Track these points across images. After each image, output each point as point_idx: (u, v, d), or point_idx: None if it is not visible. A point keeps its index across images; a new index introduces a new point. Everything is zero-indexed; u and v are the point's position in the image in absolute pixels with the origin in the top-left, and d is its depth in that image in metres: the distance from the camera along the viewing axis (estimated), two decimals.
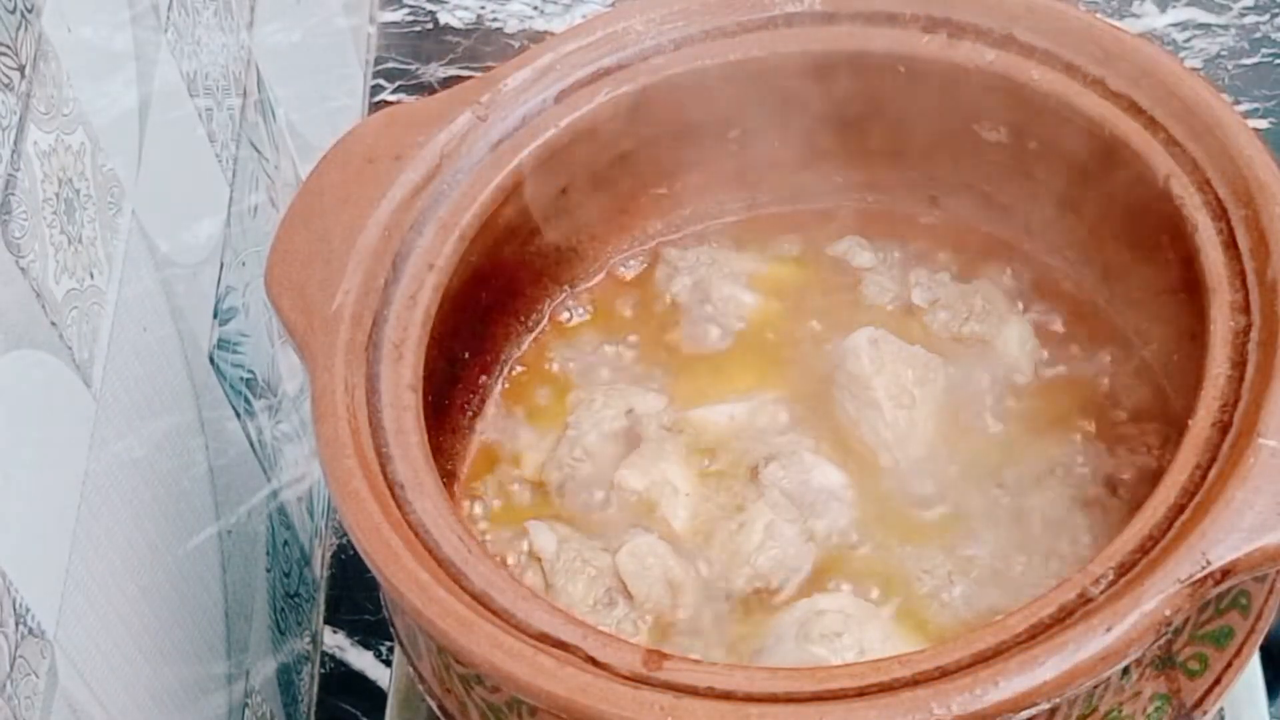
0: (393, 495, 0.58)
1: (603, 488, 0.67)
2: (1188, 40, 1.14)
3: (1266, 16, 1.14)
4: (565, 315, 0.74)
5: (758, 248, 0.75)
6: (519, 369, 0.72)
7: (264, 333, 0.92)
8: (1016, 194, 0.71)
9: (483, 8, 1.25)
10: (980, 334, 0.69)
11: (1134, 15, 1.16)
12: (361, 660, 0.99)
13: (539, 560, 0.64)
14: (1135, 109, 0.64)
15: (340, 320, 0.62)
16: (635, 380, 0.71)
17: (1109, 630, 0.50)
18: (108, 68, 0.72)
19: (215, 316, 0.84)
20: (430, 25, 1.25)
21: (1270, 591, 0.58)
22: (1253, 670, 0.68)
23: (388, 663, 0.97)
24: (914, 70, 0.68)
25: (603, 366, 0.72)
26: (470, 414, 0.71)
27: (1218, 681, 0.57)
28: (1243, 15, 1.15)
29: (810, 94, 0.70)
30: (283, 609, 0.92)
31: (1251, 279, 0.58)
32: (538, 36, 1.21)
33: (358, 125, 0.68)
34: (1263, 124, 1.07)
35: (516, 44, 1.23)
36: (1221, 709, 0.61)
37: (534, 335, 0.73)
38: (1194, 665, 0.56)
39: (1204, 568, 0.51)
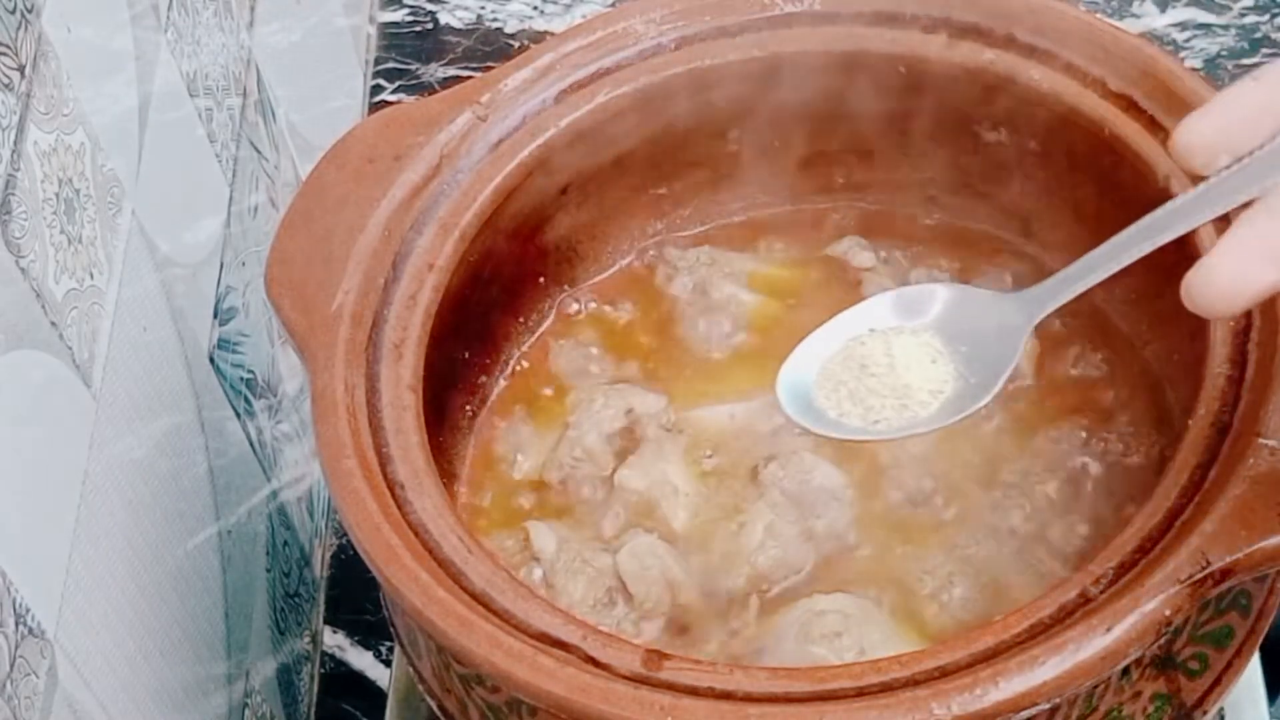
0: (393, 495, 0.58)
1: (603, 488, 0.67)
2: (1188, 40, 1.15)
3: (1266, 16, 1.14)
4: (565, 315, 0.74)
5: (758, 248, 0.75)
6: (519, 369, 0.72)
7: (264, 333, 0.92)
8: (1016, 194, 0.71)
9: (483, 8, 1.25)
10: None
11: (1134, 15, 1.16)
12: (361, 660, 0.99)
13: (539, 560, 0.64)
14: (1135, 109, 0.64)
15: (340, 320, 0.62)
16: (635, 380, 0.71)
17: (1109, 630, 0.50)
18: (108, 68, 0.72)
19: (215, 316, 0.84)
20: (430, 25, 1.25)
21: (1270, 591, 0.58)
22: (1253, 670, 0.68)
23: (388, 663, 0.98)
24: (914, 70, 0.68)
25: (603, 367, 0.72)
26: (470, 414, 0.71)
27: (1218, 681, 0.57)
28: (1243, 15, 1.15)
29: (810, 94, 0.70)
30: (283, 609, 0.93)
31: None
32: (538, 36, 1.21)
33: (358, 125, 0.68)
34: None
35: (516, 44, 1.23)
36: (1221, 709, 0.61)
37: (534, 335, 0.73)
38: (1194, 665, 0.56)
39: (1204, 568, 0.51)
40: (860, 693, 0.51)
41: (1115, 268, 0.53)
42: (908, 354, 0.58)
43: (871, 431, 0.57)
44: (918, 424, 0.57)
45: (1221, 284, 0.46)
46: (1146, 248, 0.52)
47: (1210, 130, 0.47)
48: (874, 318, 0.59)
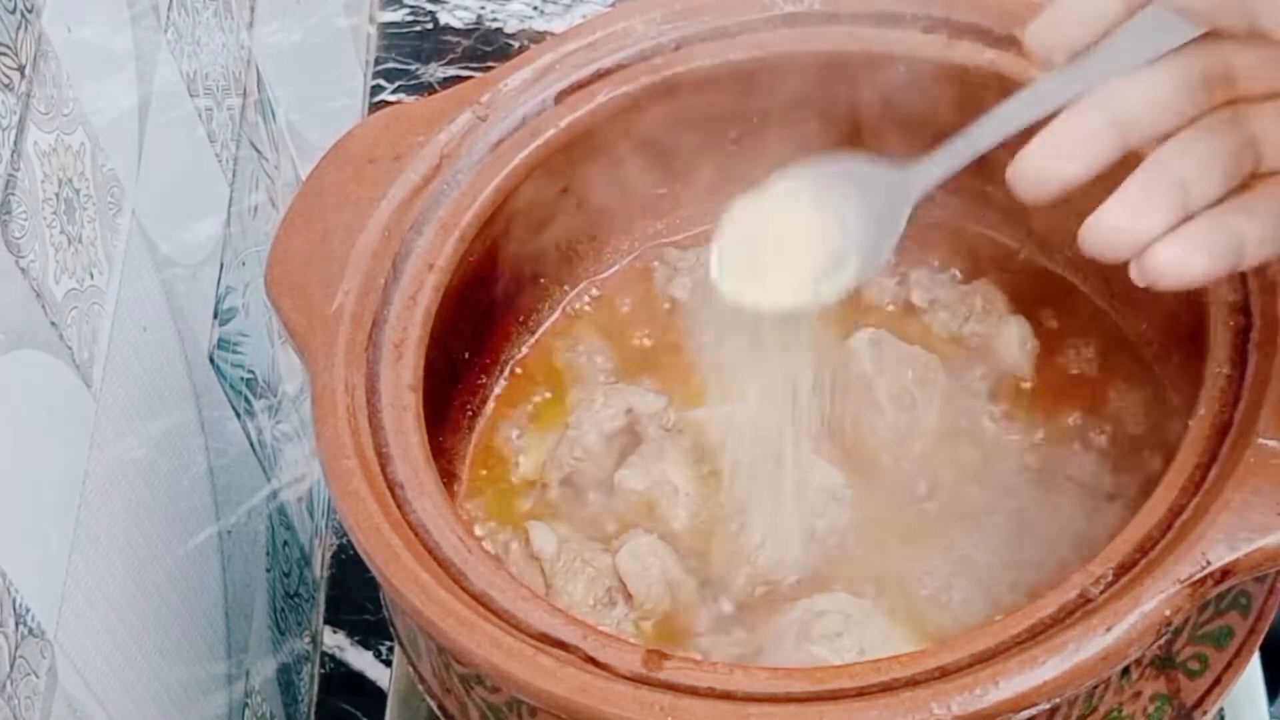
0: (393, 495, 0.58)
1: (603, 488, 0.67)
2: None
3: None
4: (565, 315, 0.74)
5: None
6: (519, 369, 0.72)
7: (264, 333, 0.92)
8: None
9: (483, 8, 1.25)
10: (980, 334, 0.69)
11: None
12: (361, 660, 0.99)
13: (539, 560, 0.64)
14: None
15: (340, 320, 0.62)
16: (635, 380, 0.71)
17: (1109, 630, 0.50)
18: (108, 68, 0.72)
19: (215, 316, 0.84)
20: (430, 25, 1.25)
21: (1270, 591, 0.58)
22: (1253, 670, 0.68)
23: (388, 663, 0.98)
24: (914, 70, 0.68)
25: (603, 367, 0.72)
26: (470, 414, 0.71)
27: (1218, 681, 0.57)
28: None
29: (810, 94, 0.70)
30: (283, 609, 0.93)
31: (1251, 279, 0.59)
32: (538, 36, 1.21)
33: (358, 125, 0.68)
34: None
35: (516, 44, 1.23)
36: (1221, 709, 0.61)
37: (534, 335, 0.73)
38: (1194, 665, 0.56)
39: (1204, 568, 0.51)
40: (860, 693, 0.51)
41: (968, 157, 0.56)
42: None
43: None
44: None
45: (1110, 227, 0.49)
46: (996, 138, 0.55)
47: (1048, 31, 0.50)
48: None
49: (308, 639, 0.97)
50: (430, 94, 0.69)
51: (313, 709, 0.97)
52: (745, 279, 0.58)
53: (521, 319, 0.73)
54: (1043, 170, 0.49)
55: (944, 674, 0.51)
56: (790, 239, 0.58)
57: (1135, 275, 0.49)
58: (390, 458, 0.59)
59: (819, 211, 0.58)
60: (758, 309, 0.58)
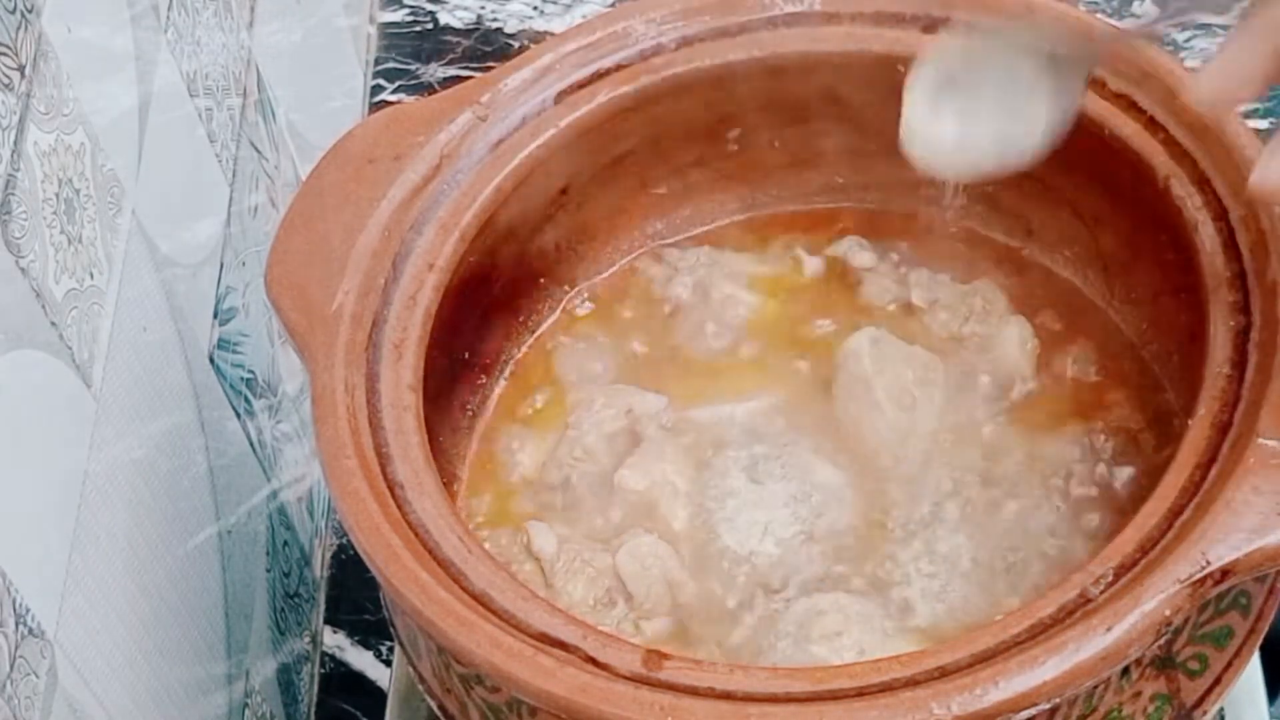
0: (393, 495, 0.58)
1: (603, 488, 0.67)
2: (1188, 40, 1.15)
3: None
4: (565, 315, 0.74)
5: (758, 248, 0.75)
6: (519, 369, 0.72)
7: (264, 333, 0.92)
8: (1016, 194, 0.71)
9: (483, 8, 1.25)
10: (980, 334, 0.69)
11: (1134, 15, 1.16)
12: (361, 660, 0.99)
13: (539, 560, 0.64)
14: (1135, 109, 0.64)
15: (340, 320, 0.62)
16: (635, 380, 0.71)
17: (1109, 630, 0.50)
18: (108, 68, 0.72)
19: (215, 316, 0.84)
20: (430, 25, 1.25)
21: (1270, 591, 0.58)
22: (1253, 670, 0.68)
23: (388, 663, 0.98)
24: None
25: (603, 367, 0.72)
26: (470, 414, 0.71)
27: (1218, 681, 0.57)
28: None
29: (810, 94, 0.70)
30: (283, 609, 0.93)
31: (1251, 279, 0.59)
32: (538, 36, 1.22)
33: (358, 125, 0.68)
34: (1262, 124, 1.06)
35: (516, 44, 1.23)
36: (1221, 709, 0.61)
37: (534, 335, 0.73)
38: (1194, 665, 0.56)
39: (1204, 568, 0.51)
40: (860, 693, 0.51)
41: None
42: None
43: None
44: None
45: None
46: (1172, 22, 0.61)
47: None
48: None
49: (308, 639, 0.97)
50: (430, 94, 0.69)
51: (313, 709, 0.97)
52: (933, 137, 0.61)
53: (521, 319, 0.73)
54: (1220, 92, 0.56)
55: (944, 674, 0.51)
56: (979, 98, 0.61)
57: (1255, 181, 0.55)
58: (390, 458, 0.59)
59: (1006, 71, 0.61)
60: (944, 170, 0.62)
